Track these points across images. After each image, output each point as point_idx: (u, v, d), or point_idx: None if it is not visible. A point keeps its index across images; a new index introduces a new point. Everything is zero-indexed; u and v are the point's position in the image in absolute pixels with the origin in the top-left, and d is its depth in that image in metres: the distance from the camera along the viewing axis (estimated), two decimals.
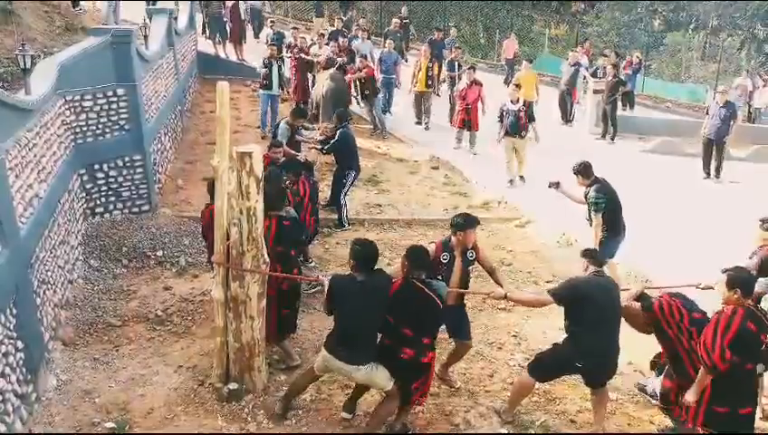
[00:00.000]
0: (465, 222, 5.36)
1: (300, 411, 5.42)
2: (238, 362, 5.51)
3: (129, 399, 5.55)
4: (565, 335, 5.06)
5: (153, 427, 5.24)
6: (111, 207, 8.45)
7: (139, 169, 8.59)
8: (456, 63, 14.33)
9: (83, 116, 7.89)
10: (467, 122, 12.32)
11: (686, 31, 26.70)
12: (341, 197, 9.12)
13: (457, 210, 10.01)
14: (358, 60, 13.26)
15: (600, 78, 14.91)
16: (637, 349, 5.74)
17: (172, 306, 7.09)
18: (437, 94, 14.78)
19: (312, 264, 7.91)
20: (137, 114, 8.46)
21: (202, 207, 6.60)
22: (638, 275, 7.72)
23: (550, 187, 7.43)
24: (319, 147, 9.29)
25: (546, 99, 14.71)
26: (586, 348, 4.86)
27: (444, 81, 15.35)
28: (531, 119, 10.90)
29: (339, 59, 13.20)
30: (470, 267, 5.53)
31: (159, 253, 8.10)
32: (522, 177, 10.99)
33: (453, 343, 5.77)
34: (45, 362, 5.70)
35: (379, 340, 4.92)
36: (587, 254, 5.09)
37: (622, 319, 4.99)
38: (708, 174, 11.94)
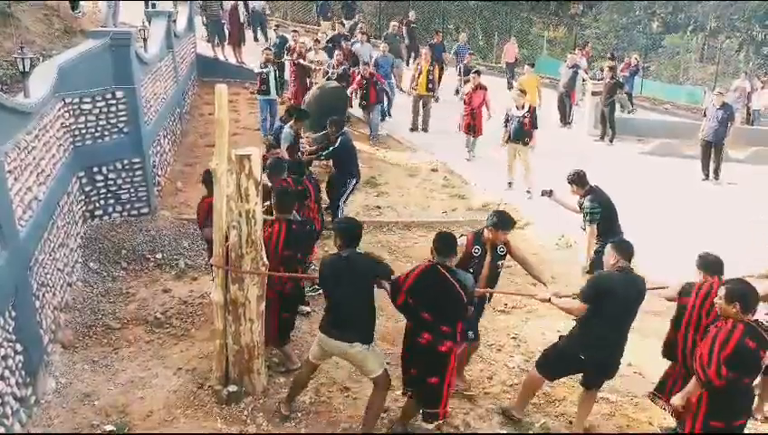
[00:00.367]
0: (499, 222, 5.36)
1: (299, 414, 5.42)
2: (238, 364, 5.51)
3: (129, 401, 5.55)
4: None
5: (152, 429, 5.24)
6: (111, 209, 8.45)
7: (138, 172, 8.59)
8: (471, 68, 14.10)
9: (82, 119, 7.90)
10: (472, 127, 12.16)
11: (684, 33, 26.72)
12: (341, 203, 8.98)
13: (456, 212, 10.11)
14: (361, 65, 12.99)
15: (599, 80, 14.92)
16: (637, 351, 5.74)
17: (171, 309, 7.10)
18: (436, 100, 14.76)
19: (312, 266, 7.90)
20: (136, 117, 8.47)
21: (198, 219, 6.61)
22: None
23: (543, 195, 7.38)
24: (317, 153, 9.10)
25: (545, 101, 14.72)
26: (592, 340, 4.85)
27: (459, 86, 15.21)
28: (534, 126, 10.60)
29: (341, 67, 12.98)
30: (500, 262, 5.51)
31: (159, 255, 8.11)
32: (528, 190, 10.50)
33: None
34: (44, 364, 5.70)
35: (405, 325, 4.94)
36: (616, 247, 5.01)
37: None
38: (707, 176, 11.96)
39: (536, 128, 10.58)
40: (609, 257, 5.00)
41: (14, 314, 5.18)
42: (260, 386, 5.62)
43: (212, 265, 5.66)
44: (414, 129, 14.07)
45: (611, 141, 14.23)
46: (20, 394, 5.12)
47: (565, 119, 15.39)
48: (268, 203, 5.95)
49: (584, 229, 7.09)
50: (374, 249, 8.56)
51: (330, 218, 8.98)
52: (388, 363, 6.09)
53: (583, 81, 15.84)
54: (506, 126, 10.68)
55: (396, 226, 9.55)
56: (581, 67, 16.11)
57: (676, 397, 4.55)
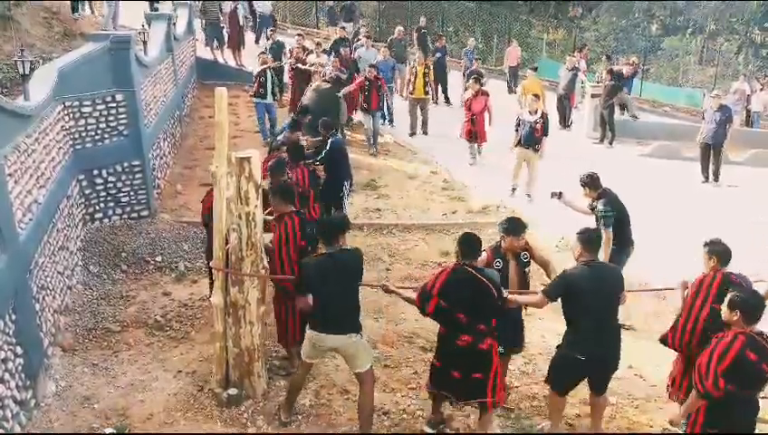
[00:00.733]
0: (509, 227, 5.39)
1: (299, 417, 5.42)
2: (238, 367, 5.51)
3: (129, 404, 5.55)
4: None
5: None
6: (110, 212, 8.46)
7: (137, 175, 8.60)
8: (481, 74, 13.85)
9: (82, 122, 7.91)
10: (474, 133, 12.00)
11: (683, 35, 26.78)
12: (344, 208, 8.76)
13: (456, 215, 10.11)
14: (366, 69, 12.79)
15: (598, 83, 14.96)
16: (638, 354, 5.74)
17: (171, 312, 7.10)
18: (435, 102, 14.75)
19: None
20: (136, 120, 8.48)
21: (202, 212, 6.60)
22: (637, 278, 7.72)
23: (552, 197, 7.22)
24: (311, 159, 8.89)
25: (545, 104, 14.71)
26: (582, 338, 4.82)
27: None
28: (545, 132, 10.39)
29: (341, 75, 12.75)
30: (526, 269, 5.49)
31: (158, 258, 8.11)
32: (528, 195, 10.49)
33: None
34: (44, 367, 5.69)
35: (438, 332, 4.93)
36: (582, 238, 4.93)
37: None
38: (707, 178, 11.96)
39: (546, 135, 10.38)
40: (575, 251, 4.98)
41: (14, 317, 5.17)
42: (260, 389, 5.62)
43: (210, 268, 5.66)
44: (413, 133, 14.00)
45: (611, 144, 14.24)
46: (20, 397, 5.12)
47: (565, 121, 15.40)
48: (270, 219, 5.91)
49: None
50: (374, 251, 8.56)
51: None
52: (386, 366, 6.15)
53: (582, 83, 15.85)
54: (517, 130, 10.45)
55: (396, 228, 9.54)
56: (581, 70, 16.14)
57: (677, 415, 4.55)
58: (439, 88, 16.42)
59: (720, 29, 26.65)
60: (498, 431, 5.31)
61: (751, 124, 16.62)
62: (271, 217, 5.75)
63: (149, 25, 12.10)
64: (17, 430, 4.99)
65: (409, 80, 13.74)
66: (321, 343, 4.99)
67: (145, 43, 11.17)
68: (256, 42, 19.06)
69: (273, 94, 12.33)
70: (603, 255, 6.59)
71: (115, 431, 5.17)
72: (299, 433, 5.28)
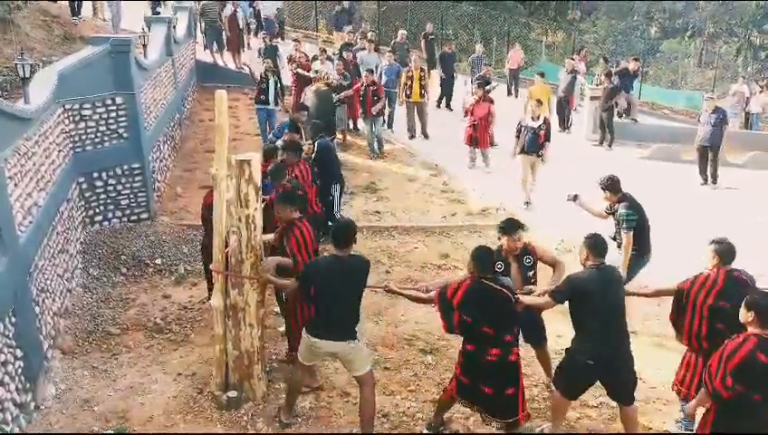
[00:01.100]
0: (503, 227, 5.43)
1: (299, 419, 5.42)
2: (237, 369, 5.51)
3: (128, 407, 5.55)
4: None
5: None
6: (110, 215, 8.46)
7: (137, 178, 8.60)
8: (490, 81, 13.82)
9: (82, 124, 7.92)
10: (475, 139, 11.91)
11: (682, 38, 26.83)
12: (337, 214, 8.78)
13: (455, 217, 10.11)
14: (364, 74, 12.75)
15: (598, 85, 14.98)
16: (638, 356, 5.73)
17: (171, 314, 7.10)
18: (439, 106, 14.74)
19: None
20: (135, 123, 8.49)
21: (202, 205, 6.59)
22: (637, 280, 7.72)
23: (568, 200, 7.08)
24: None
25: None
26: (590, 341, 4.80)
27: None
28: (547, 138, 10.18)
29: (343, 82, 12.69)
30: (530, 272, 5.47)
31: (158, 261, 8.11)
32: (528, 199, 10.39)
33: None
34: (44, 370, 5.70)
35: (461, 349, 4.91)
36: (588, 243, 4.92)
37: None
38: (705, 180, 11.96)
39: (549, 140, 10.20)
40: (581, 255, 4.97)
41: (14, 319, 5.18)
42: (260, 391, 5.62)
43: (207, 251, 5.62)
44: (412, 136, 13.97)
45: (610, 146, 14.26)
46: (20, 400, 5.12)
47: (564, 124, 15.42)
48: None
49: (614, 239, 6.71)
50: (374, 254, 8.56)
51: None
52: (386, 368, 6.15)
53: (582, 85, 15.87)
54: (518, 137, 10.24)
55: (395, 230, 9.54)
56: (580, 72, 16.16)
57: (690, 405, 4.55)
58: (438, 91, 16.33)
59: (719, 31, 26.70)
60: (497, 432, 5.30)
61: (750, 126, 16.64)
62: (270, 237, 5.64)
63: (149, 29, 12.14)
64: (17, 432, 4.99)
65: (406, 83, 13.66)
66: (317, 347, 4.98)
67: (145, 46, 11.20)
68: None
69: (276, 100, 12.27)
70: (623, 259, 6.56)
71: (114, 434, 5.18)
72: (299, 433, 5.28)
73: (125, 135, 8.42)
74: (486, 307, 4.67)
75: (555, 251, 8.82)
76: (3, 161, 5.33)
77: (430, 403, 5.68)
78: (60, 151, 7.32)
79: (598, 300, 4.74)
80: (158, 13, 14.54)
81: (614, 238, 6.75)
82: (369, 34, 16.47)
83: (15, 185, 5.63)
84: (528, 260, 5.46)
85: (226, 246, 5.37)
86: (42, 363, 5.67)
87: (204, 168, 10.86)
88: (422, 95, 13.68)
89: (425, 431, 5.32)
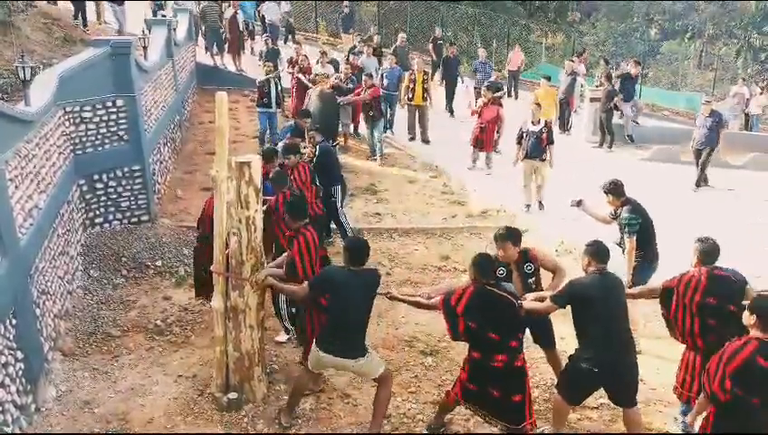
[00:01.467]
0: (499, 236, 5.41)
1: (299, 421, 5.43)
2: (238, 371, 5.52)
3: (129, 409, 5.55)
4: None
5: None
6: (111, 217, 8.47)
7: (138, 180, 8.61)
8: (500, 87, 13.67)
9: (83, 127, 7.92)
10: (480, 141, 11.86)
11: (682, 39, 26.86)
12: (340, 215, 8.74)
13: (456, 219, 10.12)
14: (363, 78, 12.65)
15: (597, 87, 14.99)
16: (640, 359, 5.73)
17: (171, 316, 7.10)
18: (451, 114, 14.73)
19: None
20: (136, 125, 8.49)
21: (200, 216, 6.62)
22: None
23: (572, 205, 7.03)
24: None
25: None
26: (593, 347, 4.79)
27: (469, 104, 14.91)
28: (550, 141, 10.10)
29: (343, 84, 12.57)
30: (530, 280, 5.44)
31: (159, 263, 8.11)
32: (540, 202, 10.27)
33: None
34: (45, 372, 5.70)
35: (466, 356, 4.91)
36: (590, 250, 4.92)
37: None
38: (705, 181, 11.92)
39: (552, 143, 10.10)
40: (583, 261, 4.97)
41: (14, 321, 5.18)
42: (260, 393, 5.62)
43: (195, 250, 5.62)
44: (412, 137, 13.93)
45: (610, 148, 14.27)
46: (20, 402, 5.12)
47: (564, 126, 15.43)
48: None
49: (619, 244, 6.65)
50: (374, 256, 8.51)
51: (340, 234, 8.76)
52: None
53: (582, 87, 15.88)
54: (520, 143, 10.13)
55: (395, 232, 9.55)
56: (579, 74, 16.17)
57: (689, 415, 4.55)
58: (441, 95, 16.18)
59: (719, 33, 26.75)
60: (497, 433, 5.30)
61: (750, 128, 16.66)
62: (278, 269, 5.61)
63: (150, 31, 12.16)
64: None
65: (408, 86, 13.62)
66: (327, 362, 5.03)
67: (145, 48, 11.21)
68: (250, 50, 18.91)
69: (278, 104, 12.25)
70: (627, 264, 6.50)
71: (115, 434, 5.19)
72: (299, 434, 5.29)
73: (125, 137, 8.42)
74: (490, 313, 4.67)
75: (556, 255, 8.85)
76: (3, 163, 5.34)
77: (431, 405, 5.69)
78: (60, 153, 7.33)
79: (599, 306, 4.73)
80: (165, 16, 14.54)
81: (619, 244, 6.69)
82: (375, 38, 16.44)
83: (16, 187, 5.64)
84: (529, 267, 5.44)
85: (227, 248, 5.38)
86: (42, 365, 5.67)
87: (204, 170, 10.87)
88: (424, 98, 13.62)
89: (425, 432, 5.32)
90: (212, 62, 17.20)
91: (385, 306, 7.17)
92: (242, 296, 5.33)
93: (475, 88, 16.07)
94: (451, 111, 16.20)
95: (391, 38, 19.21)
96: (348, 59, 14.07)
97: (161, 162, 10.16)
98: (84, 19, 14.78)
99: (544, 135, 9.98)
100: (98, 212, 8.33)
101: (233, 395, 5.51)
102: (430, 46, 18.12)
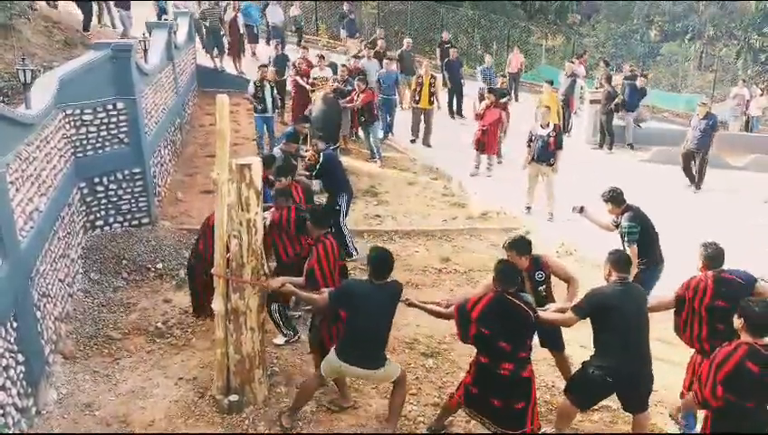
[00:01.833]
0: (505, 246, 5.41)
1: (300, 423, 5.42)
2: (239, 373, 5.52)
3: (130, 411, 5.55)
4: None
5: None
6: (111, 220, 8.47)
7: (138, 182, 8.61)
8: (506, 93, 13.52)
9: (83, 130, 7.93)
10: (482, 144, 11.79)
11: (682, 41, 26.87)
12: (341, 225, 8.53)
13: (456, 221, 10.12)
14: (356, 83, 12.54)
15: (597, 89, 15.01)
16: None
17: (172, 319, 7.10)
18: (461, 116, 14.72)
19: None
20: (136, 128, 8.50)
21: (202, 219, 6.63)
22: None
23: (574, 211, 7.03)
24: (306, 174, 8.61)
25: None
26: (610, 357, 4.74)
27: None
28: (558, 146, 9.96)
29: (341, 86, 12.55)
30: (540, 287, 5.43)
31: (159, 265, 8.12)
32: (551, 214, 10.06)
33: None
34: (46, 375, 5.70)
35: (473, 359, 4.90)
36: (611, 258, 4.90)
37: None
38: (693, 180, 11.83)
39: (560, 148, 9.97)
40: (604, 270, 4.95)
41: (15, 324, 5.18)
42: (261, 395, 5.62)
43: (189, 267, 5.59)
44: (414, 139, 13.90)
45: (610, 149, 14.28)
46: (21, 405, 5.12)
47: (564, 127, 15.42)
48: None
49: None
50: None
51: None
52: None
53: (581, 89, 15.90)
54: (529, 145, 10.03)
55: (396, 234, 9.56)
56: (579, 76, 16.18)
57: (674, 408, 4.56)
58: (449, 99, 16.09)
59: (719, 34, 26.76)
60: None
61: (750, 129, 16.67)
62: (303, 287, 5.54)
63: (150, 34, 12.18)
64: None
65: (415, 89, 13.54)
66: (344, 371, 5.04)
67: (146, 51, 11.23)
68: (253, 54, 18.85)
69: (274, 108, 12.14)
70: (630, 273, 6.51)
71: None
72: (301, 434, 5.29)
73: (126, 140, 8.43)
74: (506, 322, 4.65)
75: (556, 256, 8.85)
76: (4, 166, 5.35)
77: (432, 407, 5.69)
78: (61, 156, 7.33)
79: (619, 316, 4.69)
80: (167, 20, 14.56)
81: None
82: (379, 42, 16.40)
83: (17, 190, 5.65)
84: (540, 275, 5.43)
85: (228, 251, 5.38)
86: (43, 368, 5.67)
87: (204, 172, 10.88)
88: (431, 102, 13.57)
89: (425, 433, 5.32)
90: (212, 64, 17.20)
91: None
92: (242, 299, 5.33)
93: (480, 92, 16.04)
94: (460, 114, 16.01)
95: (391, 40, 19.19)
96: (345, 64, 13.95)
97: (162, 165, 10.17)
98: (88, 24, 14.77)
99: (552, 139, 9.86)
100: (98, 215, 8.34)
101: (234, 397, 5.51)
102: (438, 52, 18.05)
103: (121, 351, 6.49)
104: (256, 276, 5.33)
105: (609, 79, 14.61)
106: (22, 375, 5.20)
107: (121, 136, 8.37)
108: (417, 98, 13.55)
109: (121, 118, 8.32)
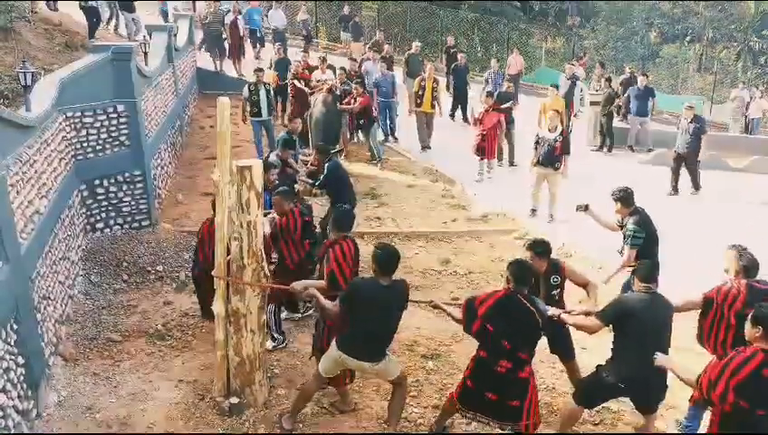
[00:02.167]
0: (528, 245, 5.43)
1: (301, 425, 5.42)
2: (239, 376, 5.52)
3: (130, 414, 5.55)
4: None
5: None
6: (112, 222, 8.48)
7: (139, 185, 8.62)
8: (511, 97, 13.36)
9: (84, 132, 7.94)
10: (482, 149, 11.70)
11: (681, 43, 26.88)
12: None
13: (456, 223, 10.12)
14: (354, 87, 12.48)
15: (597, 90, 15.01)
16: None
17: (172, 321, 7.11)
18: (465, 121, 14.75)
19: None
20: (137, 130, 8.51)
21: (202, 221, 6.62)
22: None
23: (578, 210, 6.96)
24: (309, 182, 8.61)
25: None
26: (627, 363, 4.75)
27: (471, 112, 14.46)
28: (566, 151, 9.85)
29: (340, 86, 12.57)
30: (554, 291, 5.44)
31: (160, 268, 8.12)
32: (551, 215, 10.04)
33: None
34: (46, 377, 5.69)
35: (475, 353, 4.90)
36: (637, 269, 4.94)
37: None
38: (675, 190, 11.61)
39: (568, 153, 9.84)
40: (634, 281, 4.94)
41: (15, 326, 5.18)
42: (261, 398, 5.62)
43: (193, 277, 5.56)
44: (424, 148, 13.61)
45: (610, 151, 14.28)
46: (21, 407, 5.12)
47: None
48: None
49: (620, 252, 6.59)
50: None
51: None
52: None
53: (581, 91, 15.88)
54: (536, 148, 9.93)
55: (396, 236, 9.55)
56: (579, 78, 16.17)
57: (661, 358, 4.54)
58: (453, 106, 15.99)
59: (718, 37, 26.76)
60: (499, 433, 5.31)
61: (750, 131, 16.67)
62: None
63: (151, 36, 12.20)
64: None
65: (417, 92, 13.45)
66: (346, 364, 5.02)
67: (146, 54, 11.24)
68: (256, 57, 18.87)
69: (270, 111, 12.04)
70: (617, 269, 6.48)
71: None
72: (302, 434, 5.30)
73: (126, 142, 8.44)
74: (512, 322, 4.63)
75: (555, 256, 8.84)
76: (5, 169, 5.35)
77: (432, 409, 5.69)
78: (61, 159, 7.34)
79: (638, 324, 4.68)
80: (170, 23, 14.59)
81: (620, 252, 6.66)
82: (385, 47, 16.38)
83: (17, 192, 5.65)
84: (555, 280, 5.43)
85: (228, 253, 5.38)
86: (43, 370, 5.67)
87: (205, 174, 10.89)
88: (433, 106, 13.48)
89: (426, 434, 5.33)
90: (212, 66, 17.23)
91: None
92: (243, 301, 5.33)
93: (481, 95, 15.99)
94: (465, 120, 15.76)
95: (390, 43, 19.18)
96: (343, 68, 13.87)
97: (162, 167, 10.18)
98: (93, 32, 14.76)
99: (558, 143, 9.73)
100: (99, 217, 8.34)
101: (234, 400, 5.51)
102: (444, 58, 17.96)
103: (122, 353, 6.49)
104: (257, 278, 5.34)
105: (609, 80, 14.60)
106: (22, 378, 5.20)
107: (122, 138, 8.38)
108: (419, 102, 13.46)
109: (122, 120, 8.34)
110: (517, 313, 4.62)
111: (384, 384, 5.88)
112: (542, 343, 6.59)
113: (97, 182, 8.25)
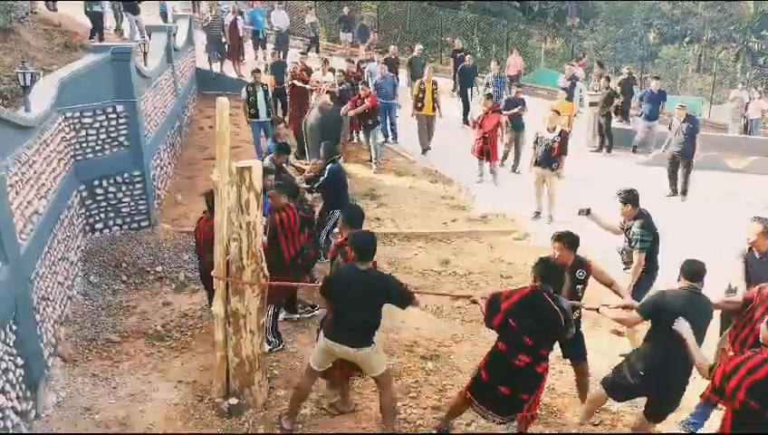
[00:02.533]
0: (557, 236, 5.43)
1: (300, 426, 5.42)
2: (238, 376, 5.51)
3: (129, 415, 5.54)
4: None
5: None
6: (111, 222, 8.47)
7: (138, 185, 8.62)
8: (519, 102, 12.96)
9: (83, 133, 7.94)
10: (486, 152, 11.61)
11: (680, 44, 26.89)
12: (322, 236, 8.09)
13: (456, 223, 10.12)
14: (360, 87, 12.46)
15: (596, 91, 15.00)
16: None
17: (172, 322, 7.10)
18: (466, 123, 14.76)
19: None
20: (136, 131, 8.51)
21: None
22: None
23: (580, 214, 6.92)
24: (306, 186, 8.34)
25: (541, 112, 14.74)
26: (653, 357, 4.79)
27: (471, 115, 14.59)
28: (563, 151, 9.78)
29: (339, 87, 12.54)
30: (578, 286, 5.44)
31: (159, 268, 8.11)
32: (551, 216, 9.95)
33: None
34: (45, 378, 5.69)
35: (493, 346, 4.88)
36: (683, 265, 4.89)
37: None
38: (675, 191, 11.54)
39: (565, 154, 9.80)
40: (680, 278, 4.91)
41: (14, 327, 5.18)
42: (261, 399, 5.61)
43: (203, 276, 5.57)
44: (425, 151, 13.52)
45: (609, 151, 14.27)
46: (20, 408, 5.11)
47: None
48: None
49: (621, 253, 6.59)
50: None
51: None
52: None
53: (581, 91, 15.89)
54: (535, 148, 9.93)
55: (395, 237, 9.55)
56: (579, 78, 16.17)
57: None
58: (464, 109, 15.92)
59: (717, 37, 26.76)
60: (500, 433, 5.31)
61: (749, 132, 16.68)
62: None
63: (150, 37, 12.19)
64: None
65: (417, 95, 13.36)
66: (331, 350, 5.01)
67: (145, 54, 11.23)
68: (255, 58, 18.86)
69: (268, 112, 11.98)
70: (632, 278, 6.43)
71: None
72: (303, 433, 5.30)
73: (125, 143, 8.44)
74: (535, 320, 4.62)
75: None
76: (4, 169, 5.35)
77: (432, 410, 5.68)
78: (60, 159, 7.33)
79: (671, 320, 4.64)
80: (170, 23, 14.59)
81: (621, 253, 6.64)
82: (391, 48, 16.36)
83: (16, 193, 5.65)
84: (581, 274, 5.43)
85: (227, 254, 5.38)
86: (42, 371, 5.67)
87: (204, 175, 10.88)
88: (434, 108, 13.40)
89: (433, 433, 5.31)
90: (210, 69, 17.21)
91: (384, 311, 7.16)
92: (242, 301, 5.33)
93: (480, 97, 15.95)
94: (466, 122, 15.59)
95: (390, 43, 19.15)
96: (342, 70, 13.82)
97: (161, 168, 10.18)
98: (94, 34, 14.72)
99: (556, 144, 9.68)
100: (98, 217, 8.34)
101: (233, 400, 5.50)
102: (451, 61, 17.90)
103: (121, 354, 6.49)
104: (256, 280, 5.33)
105: (608, 79, 14.59)
106: (21, 378, 5.19)
107: (121, 139, 8.38)
108: (420, 105, 13.38)
109: (121, 121, 8.33)
110: (542, 311, 4.61)
111: None
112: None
113: (96, 183, 8.25)
